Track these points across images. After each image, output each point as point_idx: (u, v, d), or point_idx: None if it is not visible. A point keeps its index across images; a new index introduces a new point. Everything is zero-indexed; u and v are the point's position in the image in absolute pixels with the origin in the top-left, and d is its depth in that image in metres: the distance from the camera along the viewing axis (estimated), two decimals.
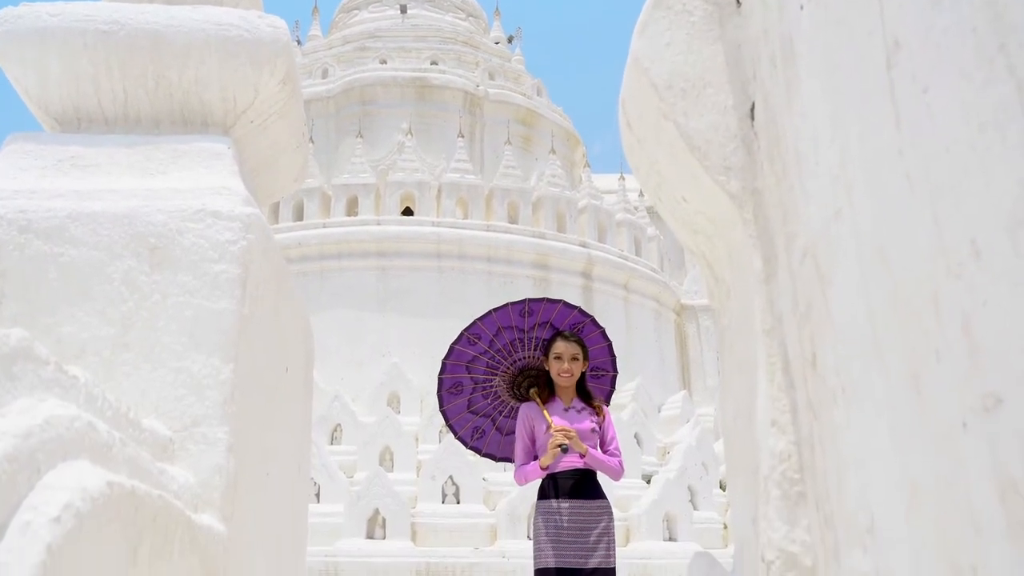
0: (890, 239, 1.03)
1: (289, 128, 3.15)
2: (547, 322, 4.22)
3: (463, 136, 16.84)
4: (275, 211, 15.77)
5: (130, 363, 2.33)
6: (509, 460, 4.52)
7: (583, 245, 15.98)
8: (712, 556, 1.76)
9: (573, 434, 3.89)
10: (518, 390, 4.33)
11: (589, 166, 18.39)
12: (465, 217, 15.71)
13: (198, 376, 2.31)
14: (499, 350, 4.27)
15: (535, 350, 4.27)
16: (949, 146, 0.90)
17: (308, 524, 3.64)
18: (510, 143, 17.06)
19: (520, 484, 4.15)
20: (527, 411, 4.08)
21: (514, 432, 4.35)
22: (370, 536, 10.81)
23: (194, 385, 2.30)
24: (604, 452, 4.03)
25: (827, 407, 1.30)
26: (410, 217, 15.54)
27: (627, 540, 11.30)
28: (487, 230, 15.40)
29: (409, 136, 16.61)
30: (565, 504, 3.85)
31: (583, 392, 4.15)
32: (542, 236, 15.65)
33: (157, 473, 1.95)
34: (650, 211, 18.85)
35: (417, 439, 12.68)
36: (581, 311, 4.32)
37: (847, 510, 1.24)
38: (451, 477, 11.46)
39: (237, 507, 2.32)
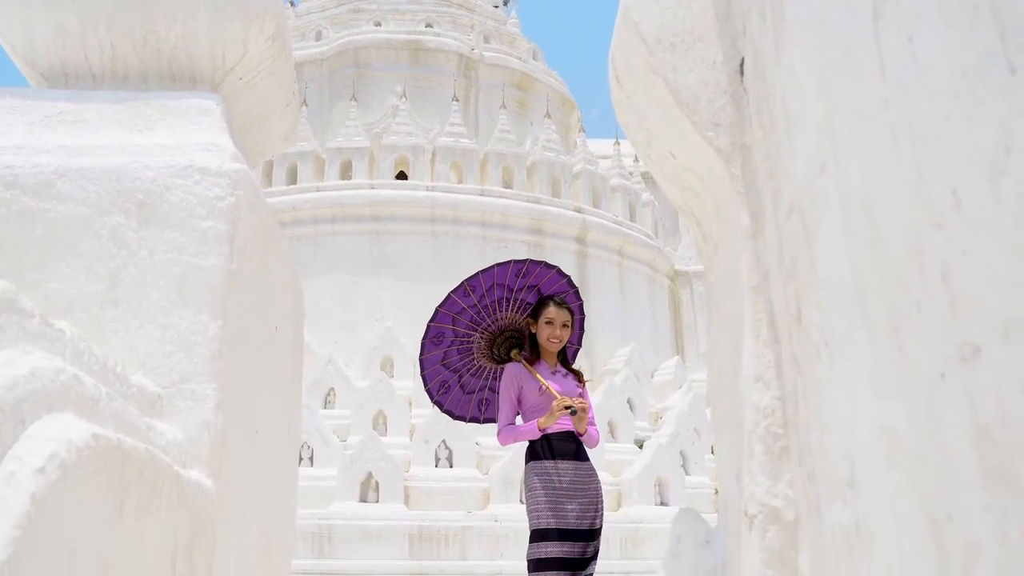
0: (874, 191, 1.03)
1: (279, 85, 3.12)
2: (536, 286, 4.25)
3: (458, 100, 16.76)
4: (268, 174, 15.72)
5: (118, 319, 2.33)
6: (464, 419, 4.57)
7: (578, 210, 15.94)
8: (696, 512, 1.78)
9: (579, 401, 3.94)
10: (498, 350, 4.36)
11: (584, 131, 18.31)
12: (459, 181, 15.66)
13: (186, 333, 2.31)
14: (486, 307, 4.30)
15: (517, 312, 4.29)
16: (933, 95, 0.89)
17: (298, 483, 3.65)
18: (505, 107, 16.97)
19: (504, 444, 4.16)
20: (514, 371, 4.10)
21: (476, 392, 4.40)
22: (363, 499, 10.88)
23: (182, 342, 2.30)
24: None
25: (811, 362, 1.30)
26: (404, 181, 15.48)
27: (619, 504, 11.39)
28: (481, 194, 15.36)
29: (403, 99, 16.51)
30: (563, 465, 3.88)
31: (563, 359, 4.20)
32: (537, 201, 15.62)
33: (145, 428, 1.95)
34: (645, 177, 18.81)
35: (410, 403, 12.73)
36: (570, 281, 4.34)
37: (829, 464, 1.25)
38: (444, 441, 11.52)
39: (226, 464, 2.33)
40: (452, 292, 4.36)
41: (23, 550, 1.26)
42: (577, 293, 4.38)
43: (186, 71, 2.85)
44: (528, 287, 4.26)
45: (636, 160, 18.81)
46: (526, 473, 3.98)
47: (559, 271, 4.32)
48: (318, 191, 15.25)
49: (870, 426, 1.08)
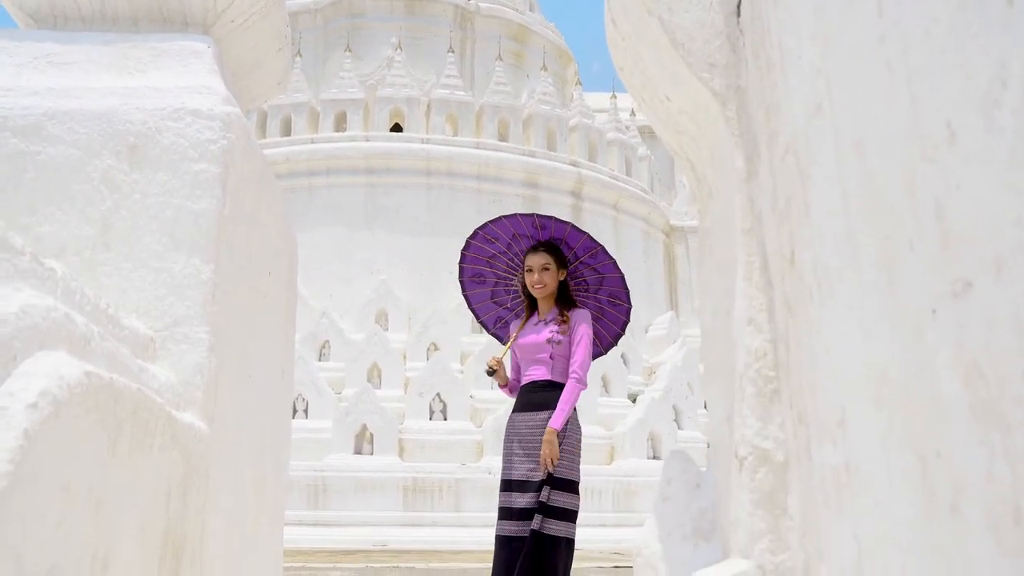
0: (868, 128, 1.02)
1: (271, 29, 3.08)
2: (561, 239, 4.15)
3: (453, 51, 16.62)
4: (262, 125, 15.63)
5: (110, 263, 2.32)
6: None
7: (573, 164, 15.90)
8: (687, 455, 1.79)
9: (497, 364, 3.97)
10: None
11: (581, 84, 18.19)
12: (455, 134, 15.59)
13: (179, 276, 2.31)
14: (516, 254, 4.26)
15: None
16: (929, 27, 0.88)
17: (294, 434, 3.67)
18: (501, 59, 16.84)
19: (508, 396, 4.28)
20: (512, 326, 4.16)
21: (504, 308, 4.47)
22: (358, 451, 10.97)
23: (175, 285, 2.30)
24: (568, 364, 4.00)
25: (803, 304, 1.30)
26: (399, 133, 15.41)
27: (612, 458, 11.50)
28: (477, 147, 15.30)
29: (398, 51, 16.37)
30: (523, 417, 3.89)
31: (566, 300, 4.13)
32: (532, 154, 15.57)
33: (137, 370, 1.95)
34: (642, 131, 18.73)
35: (405, 356, 12.78)
36: (591, 238, 4.21)
37: (819, 405, 1.25)
38: (438, 394, 11.59)
39: (219, 407, 2.34)
40: (471, 238, 4.33)
41: (15, 485, 1.26)
42: (605, 250, 4.23)
43: (177, 13, 2.81)
44: (555, 239, 4.16)
45: (633, 114, 18.71)
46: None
47: (574, 227, 4.14)
48: (312, 143, 15.17)
49: (861, 366, 1.08)
